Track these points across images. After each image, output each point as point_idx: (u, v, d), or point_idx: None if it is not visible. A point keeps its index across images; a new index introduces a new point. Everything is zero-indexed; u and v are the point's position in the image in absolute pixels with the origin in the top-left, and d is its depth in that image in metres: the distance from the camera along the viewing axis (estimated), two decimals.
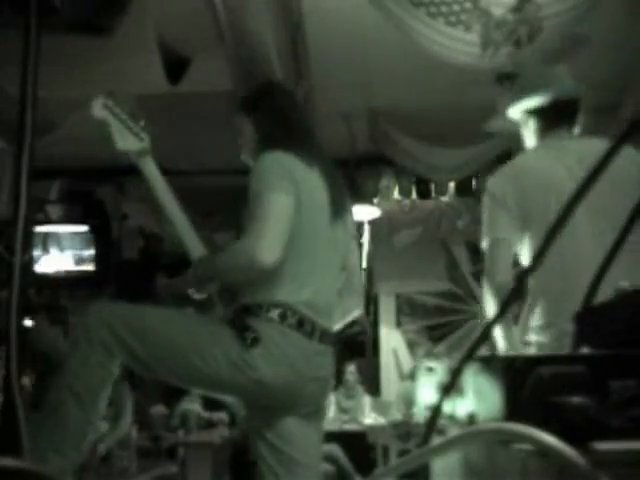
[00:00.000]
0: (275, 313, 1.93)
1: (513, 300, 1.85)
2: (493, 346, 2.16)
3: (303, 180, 2.02)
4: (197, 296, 2.10)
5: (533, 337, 2.16)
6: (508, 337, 2.12)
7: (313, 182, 2.08)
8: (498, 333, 2.13)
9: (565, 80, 2.32)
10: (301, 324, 1.95)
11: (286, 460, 2.02)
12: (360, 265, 2.40)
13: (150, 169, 2.13)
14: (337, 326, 2.16)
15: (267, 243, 1.86)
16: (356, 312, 2.26)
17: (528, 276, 1.79)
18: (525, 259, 2.23)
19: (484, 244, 2.26)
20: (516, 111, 2.37)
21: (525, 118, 2.35)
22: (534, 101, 2.30)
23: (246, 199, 2.04)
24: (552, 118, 2.30)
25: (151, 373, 1.99)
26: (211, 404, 6.01)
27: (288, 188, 1.95)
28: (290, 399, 1.99)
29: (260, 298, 1.96)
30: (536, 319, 2.16)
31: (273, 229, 1.89)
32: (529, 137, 2.37)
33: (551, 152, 2.27)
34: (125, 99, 2.15)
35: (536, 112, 2.31)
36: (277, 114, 2.21)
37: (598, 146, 2.11)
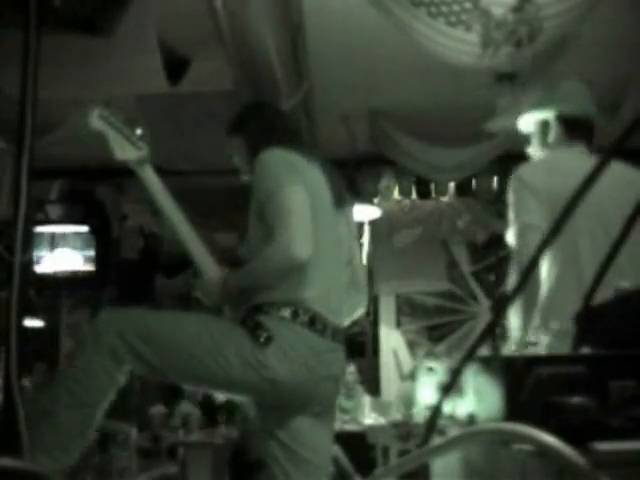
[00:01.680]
0: (287, 311, 1.93)
1: (509, 304, 1.85)
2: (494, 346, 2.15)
3: (306, 174, 2.02)
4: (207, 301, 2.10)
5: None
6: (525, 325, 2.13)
7: (315, 176, 2.08)
8: (515, 320, 2.14)
9: (588, 99, 2.40)
10: (313, 322, 1.95)
11: (297, 460, 2.01)
12: (362, 262, 2.40)
13: (149, 176, 2.13)
14: (344, 323, 2.15)
15: (299, 239, 1.87)
16: (361, 309, 2.25)
17: (527, 277, 1.79)
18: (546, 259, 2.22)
19: (511, 232, 2.24)
20: (537, 117, 2.43)
21: (543, 126, 2.41)
22: (562, 110, 2.37)
23: (250, 199, 2.04)
24: (572, 130, 2.36)
25: (160, 376, 1.99)
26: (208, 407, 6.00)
27: (298, 181, 1.95)
28: (303, 397, 1.98)
29: (271, 297, 1.95)
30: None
31: (300, 224, 1.89)
32: (540, 144, 2.42)
33: (578, 158, 2.29)
34: (122, 107, 2.14)
35: (559, 122, 2.37)
36: (264, 121, 2.24)
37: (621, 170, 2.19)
